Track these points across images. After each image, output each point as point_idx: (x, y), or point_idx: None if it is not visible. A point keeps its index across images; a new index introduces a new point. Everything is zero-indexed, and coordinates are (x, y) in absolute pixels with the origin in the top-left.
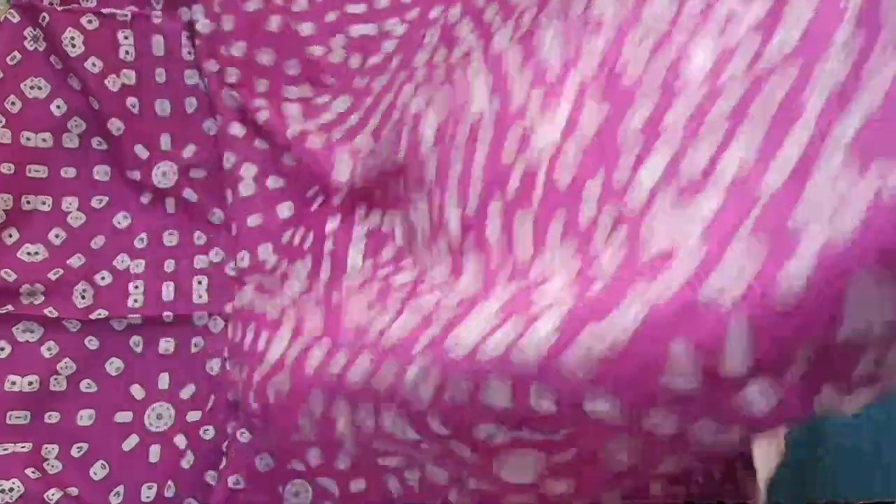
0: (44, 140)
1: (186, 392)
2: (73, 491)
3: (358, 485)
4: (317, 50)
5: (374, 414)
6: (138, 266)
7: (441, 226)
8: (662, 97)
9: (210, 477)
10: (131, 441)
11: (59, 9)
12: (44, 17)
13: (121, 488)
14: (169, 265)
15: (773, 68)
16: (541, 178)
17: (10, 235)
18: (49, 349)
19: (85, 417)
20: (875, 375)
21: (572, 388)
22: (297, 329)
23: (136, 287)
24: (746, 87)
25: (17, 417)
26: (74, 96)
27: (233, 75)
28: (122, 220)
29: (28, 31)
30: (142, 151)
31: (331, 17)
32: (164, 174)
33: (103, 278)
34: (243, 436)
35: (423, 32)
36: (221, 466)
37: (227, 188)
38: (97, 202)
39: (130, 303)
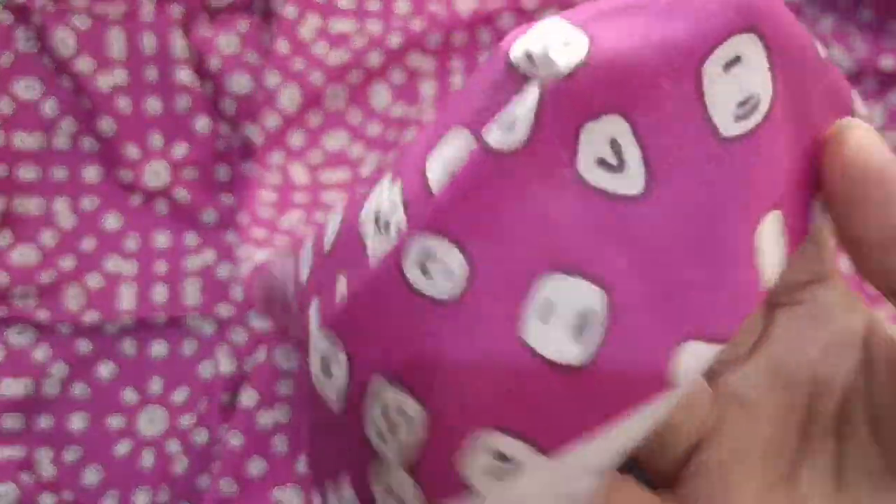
0: (35, 141)
1: (179, 396)
2: (67, 495)
3: None
4: None
5: None
6: (130, 268)
7: None
8: None
9: (202, 481)
10: (124, 445)
11: (51, 9)
12: (36, 17)
13: (114, 493)
14: (160, 267)
15: None
16: None
17: (4, 238)
18: (42, 352)
19: (78, 421)
20: None
21: None
22: None
23: (128, 289)
24: None
25: (10, 422)
26: (67, 96)
27: None
28: (112, 221)
29: (20, 32)
30: (133, 151)
31: None
32: (156, 174)
33: (95, 281)
34: (236, 438)
35: None
36: (213, 471)
37: None
38: (88, 203)
39: (122, 305)
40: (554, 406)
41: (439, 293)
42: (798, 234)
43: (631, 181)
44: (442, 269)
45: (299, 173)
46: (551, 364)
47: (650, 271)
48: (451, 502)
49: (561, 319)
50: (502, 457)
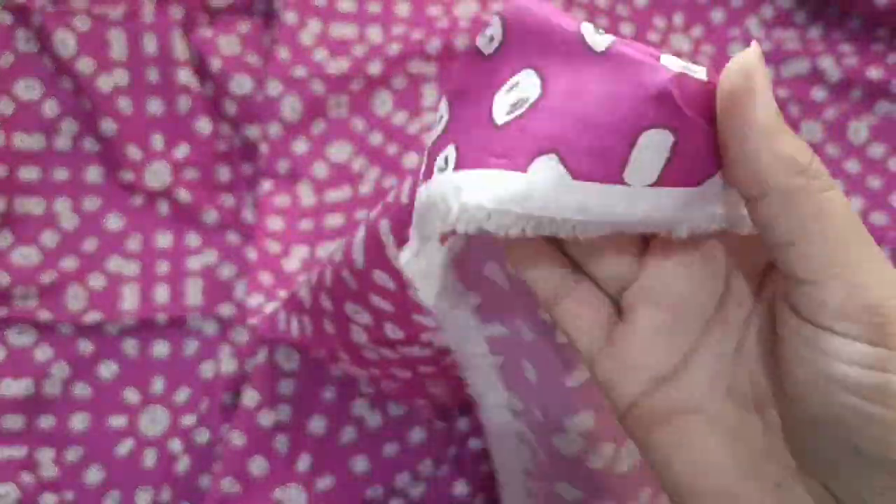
0: (36, 142)
1: (180, 396)
2: (69, 496)
3: None
4: None
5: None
6: (131, 268)
7: None
8: None
9: (204, 481)
10: (126, 445)
11: (51, 10)
12: (36, 17)
13: (116, 493)
14: (162, 267)
15: None
16: None
17: (5, 238)
18: (43, 353)
19: (79, 422)
20: None
21: None
22: None
23: (130, 290)
24: None
25: (12, 422)
26: (67, 97)
27: None
28: (114, 222)
29: (20, 33)
30: (134, 152)
31: None
32: (156, 174)
33: (96, 281)
34: (238, 438)
35: None
36: (215, 470)
37: None
38: (90, 204)
39: (124, 306)
40: None
41: None
42: None
43: None
44: None
45: (306, 193)
46: None
47: None
48: None
49: None
50: None
